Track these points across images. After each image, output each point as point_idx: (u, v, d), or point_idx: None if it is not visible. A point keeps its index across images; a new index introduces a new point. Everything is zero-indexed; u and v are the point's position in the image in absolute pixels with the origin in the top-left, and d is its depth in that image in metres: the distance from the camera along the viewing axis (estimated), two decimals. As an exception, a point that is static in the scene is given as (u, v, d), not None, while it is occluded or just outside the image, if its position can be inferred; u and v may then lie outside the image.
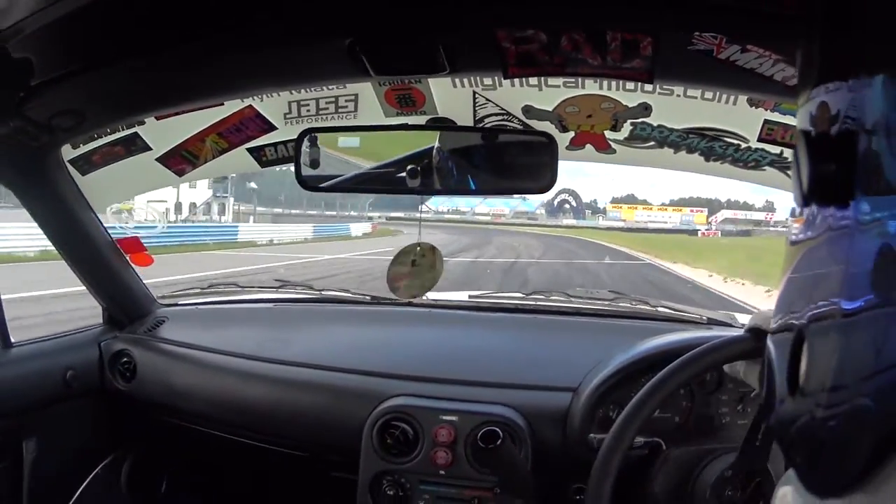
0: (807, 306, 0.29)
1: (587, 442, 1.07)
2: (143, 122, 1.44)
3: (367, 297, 1.56)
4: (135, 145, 1.51)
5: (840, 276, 0.27)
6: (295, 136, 1.18)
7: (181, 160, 1.57)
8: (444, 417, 1.15)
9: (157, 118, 1.42)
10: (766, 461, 0.85)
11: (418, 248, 1.28)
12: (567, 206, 59.28)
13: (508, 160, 1.18)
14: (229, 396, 1.36)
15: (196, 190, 28.42)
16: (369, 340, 1.44)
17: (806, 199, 0.29)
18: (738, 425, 1.12)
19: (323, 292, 1.60)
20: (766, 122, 1.22)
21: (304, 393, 1.30)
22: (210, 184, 28.31)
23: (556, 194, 56.44)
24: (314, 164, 1.22)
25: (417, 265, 1.28)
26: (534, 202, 57.88)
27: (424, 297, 1.53)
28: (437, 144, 1.19)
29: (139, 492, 1.54)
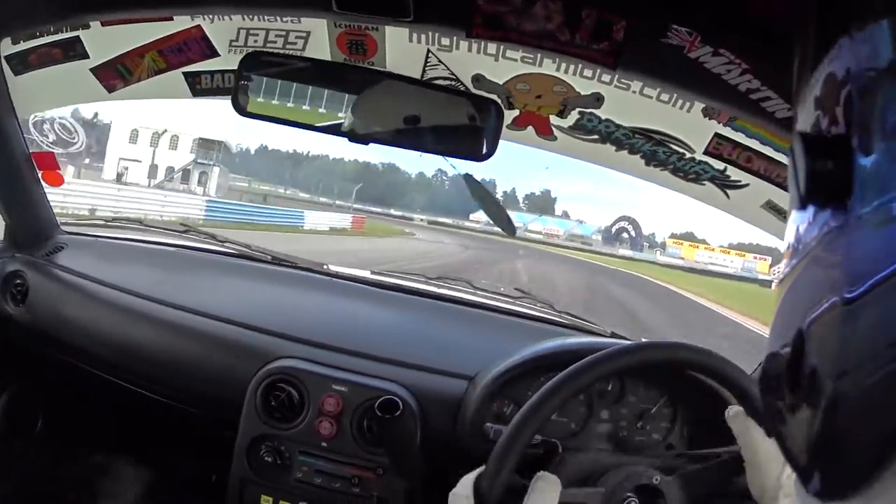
0: (804, 315, 0.29)
1: (482, 432, 1.02)
2: (88, 27, 1.35)
3: (268, 257, 1.50)
4: (74, 50, 1.41)
5: (838, 271, 0.27)
6: (235, 68, 1.11)
7: (115, 74, 1.47)
8: (335, 386, 1.09)
9: (103, 24, 1.33)
10: (664, 475, 0.84)
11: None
12: (625, 234, 53.55)
13: (450, 122, 1.13)
14: (117, 335, 1.27)
15: (176, 152, 25.92)
16: (266, 299, 1.37)
17: (803, 202, 0.29)
18: (635, 441, 1.10)
19: (225, 244, 1.52)
20: (716, 135, 1.19)
21: (192, 341, 1.22)
22: (193, 148, 26.13)
23: (615, 221, 54.07)
24: (254, 91, 1.15)
25: None
26: (590, 227, 54.60)
27: (326, 267, 1.49)
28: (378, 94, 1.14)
29: (15, 427, 1.41)
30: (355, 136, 1.15)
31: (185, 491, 1.55)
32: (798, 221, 0.31)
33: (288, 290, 1.44)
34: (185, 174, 26.30)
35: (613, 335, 1.34)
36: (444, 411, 1.09)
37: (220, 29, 1.35)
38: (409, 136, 1.15)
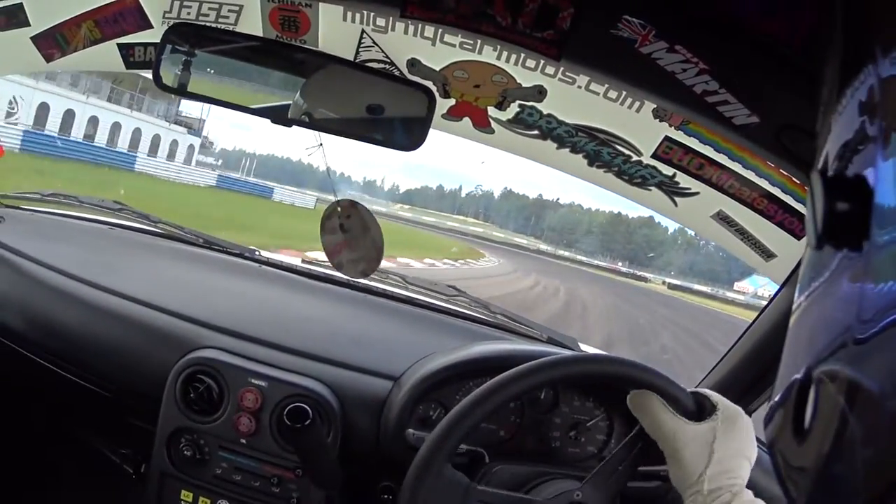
0: (814, 353, 0.29)
1: (404, 437, 0.98)
2: None
3: (200, 240, 1.45)
4: (16, 18, 1.37)
5: (850, 311, 0.26)
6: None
7: (53, 43, 1.42)
8: (253, 381, 1.04)
9: None
10: (591, 489, 0.82)
11: (338, 209, 1.12)
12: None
13: (380, 109, 1.07)
14: (42, 313, 1.23)
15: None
16: (193, 284, 1.33)
17: (820, 241, 0.28)
18: (567, 452, 1.07)
19: (158, 224, 1.47)
20: (666, 138, 1.11)
21: (115, 325, 1.17)
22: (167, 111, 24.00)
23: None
24: (179, 65, 1.09)
25: (347, 231, 1.12)
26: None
27: (258, 253, 1.45)
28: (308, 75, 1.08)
29: None
30: (279, 119, 1.09)
31: (107, 482, 1.50)
32: (812, 255, 0.31)
33: (216, 275, 1.39)
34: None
35: (550, 341, 1.28)
36: (367, 413, 1.04)
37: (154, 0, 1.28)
38: (336, 121, 1.10)
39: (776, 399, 0.34)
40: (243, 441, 1.03)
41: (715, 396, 0.80)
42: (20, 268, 1.27)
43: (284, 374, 1.05)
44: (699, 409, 0.79)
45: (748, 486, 0.74)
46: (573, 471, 0.92)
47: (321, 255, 1.35)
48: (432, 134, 0.99)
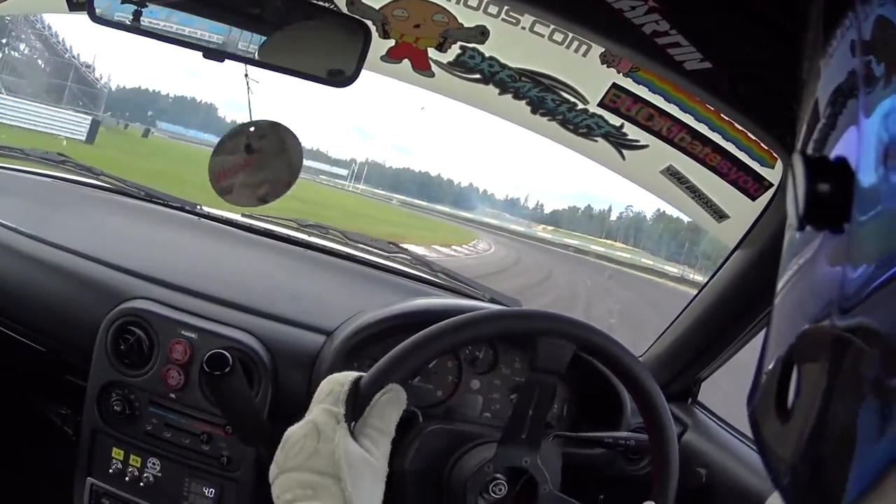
0: (796, 332, 0.29)
1: None
2: None
3: (142, 192, 1.41)
4: None
5: (832, 289, 0.26)
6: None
7: (-2, -15, 1.40)
8: (183, 332, 1.00)
9: None
10: (535, 456, 0.77)
11: (252, 129, 1.02)
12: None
13: (311, 39, 1.02)
14: None
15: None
16: (130, 236, 1.30)
17: (801, 222, 0.28)
18: (506, 415, 1.00)
19: (101, 178, 1.44)
20: (614, 85, 1.05)
21: (47, 275, 1.15)
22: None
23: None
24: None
25: (256, 151, 1.03)
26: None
27: (199, 207, 1.40)
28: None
29: None
30: (212, 53, 1.05)
31: (47, 441, 1.49)
32: (793, 244, 0.31)
33: (155, 228, 1.36)
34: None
35: (493, 301, 1.23)
36: (298, 367, 1.00)
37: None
38: (268, 53, 1.06)
39: (760, 379, 0.34)
40: (172, 395, 1.00)
41: None
42: None
43: (215, 325, 1.02)
44: None
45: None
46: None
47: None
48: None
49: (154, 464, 1.05)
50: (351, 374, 0.63)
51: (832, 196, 0.27)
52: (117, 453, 1.05)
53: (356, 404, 0.60)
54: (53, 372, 1.29)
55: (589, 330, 0.77)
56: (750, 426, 0.33)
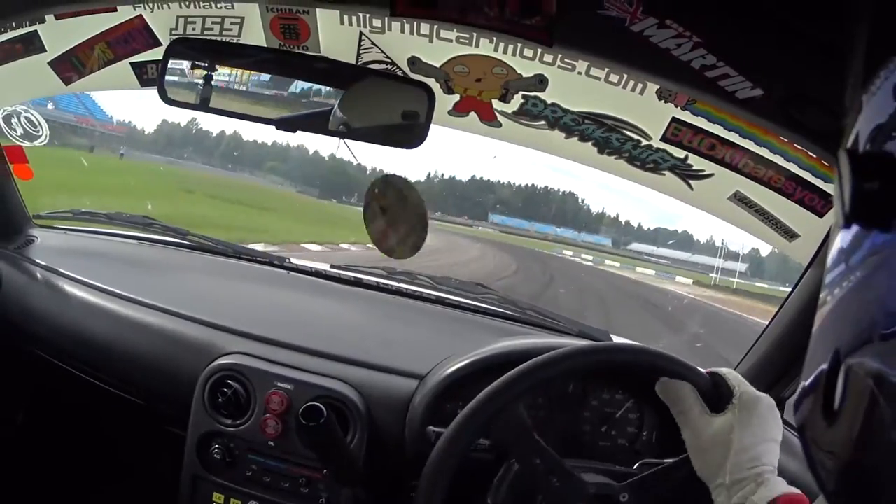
0: (840, 345, 0.29)
1: (426, 434, 0.96)
2: (43, 21, 1.36)
3: (230, 250, 1.47)
4: (32, 45, 1.43)
5: (877, 303, 0.27)
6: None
7: (70, 67, 1.47)
8: (279, 384, 1.05)
9: (57, 18, 1.34)
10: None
11: (376, 190, 1.08)
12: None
13: (382, 109, 1.06)
14: (78, 327, 1.27)
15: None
16: (220, 292, 1.36)
17: (847, 221, 0.28)
18: (598, 446, 1.04)
19: (187, 237, 1.50)
20: (674, 119, 1.07)
21: (143, 334, 1.21)
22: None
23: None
24: (183, 78, 1.11)
25: (387, 211, 1.08)
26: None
27: (287, 261, 1.45)
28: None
29: None
30: (284, 125, 1.10)
31: (145, 489, 1.55)
32: (840, 242, 0.30)
33: (245, 284, 1.41)
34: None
35: (581, 334, 1.25)
36: (392, 412, 1.04)
37: (160, 18, 1.32)
38: (349, 127, 1.09)
39: (805, 384, 0.34)
40: (271, 443, 1.04)
41: (733, 380, 0.77)
42: (52, 284, 1.33)
43: (310, 376, 1.06)
44: (718, 397, 0.77)
45: (781, 473, 0.71)
46: (602, 465, 0.90)
47: (349, 259, 1.37)
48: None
49: None
50: None
51: (880, 193, 0.26)
52: (218, 497, 1.10)
53: None
54: (152, 423, 1.36)
55: (676, 363, 0.80)
56: (797, 432, 0.34)
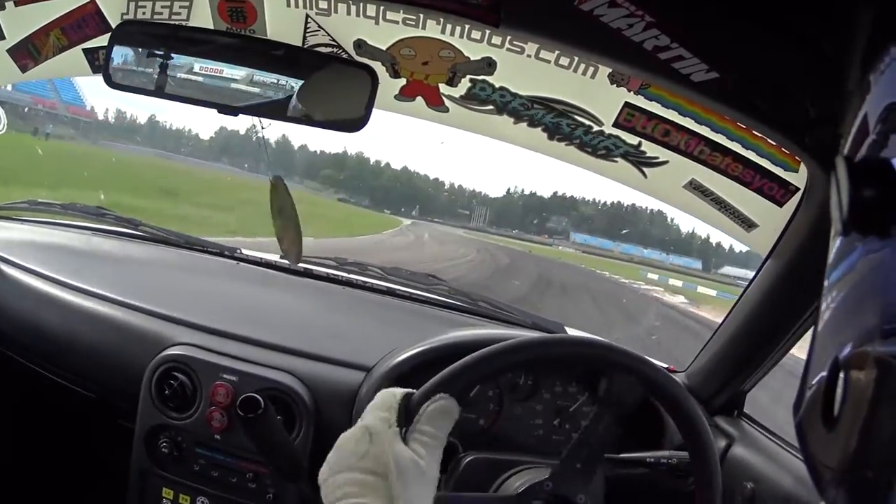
0: (839, 350, 0.29)
1: None
2: (3, 7, 1.36)
3: (182, 240, 1.45)
4: None
5: (875, 309, 0.26)
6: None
7: (26, 54, 1.45)
8: (224, 375, 1.04)
9: (17, 3, 1.33)
10: (587, 488, 0.77)
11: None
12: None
13: (323, 91, 1.03)
14: (26, 317, 1.26)
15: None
16: (170, 283, 1.34)
17: (846, 229, 0.28)
18: (552, 440, 1.04)
19: (139, 228, 1.49)
20: (626, 105, 1.04)
21: (94, 326, 1.19)
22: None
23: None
24: (127, 62, 1.09)
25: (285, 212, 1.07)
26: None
27: (238, 251, 1.44)
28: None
29: None
30: (226, 109, 1.08)
31: (98, 484, 1.53)
32: (839, 250, 0.31)
33: (195, 275, 1.41)
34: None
35: (534, 326, 1.23)
36: (339, 405, 1.02)
37: (112, 2, 1.30)
38: (282, 106, 1.08)
39: (808, 388, 0.33)
40: (217, 437, 1.03)
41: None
42: (7, 275, 1.31)
43: (255, 368, 1.04)
44: None
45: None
46: (555, 459, 0.87)
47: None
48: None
49: (203, 502, 1.07)
50: (405, 389, 0.64)
51: (878, 201, 0.26)
52: (167, 493, 1.09)
53: (408, 413, 0.60)
54: (105, 416, 1.33)
55: (640, 362, 0.76)
56: (797, 436, 0.33)
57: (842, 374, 0.29)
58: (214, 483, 1.05)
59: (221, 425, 1.02)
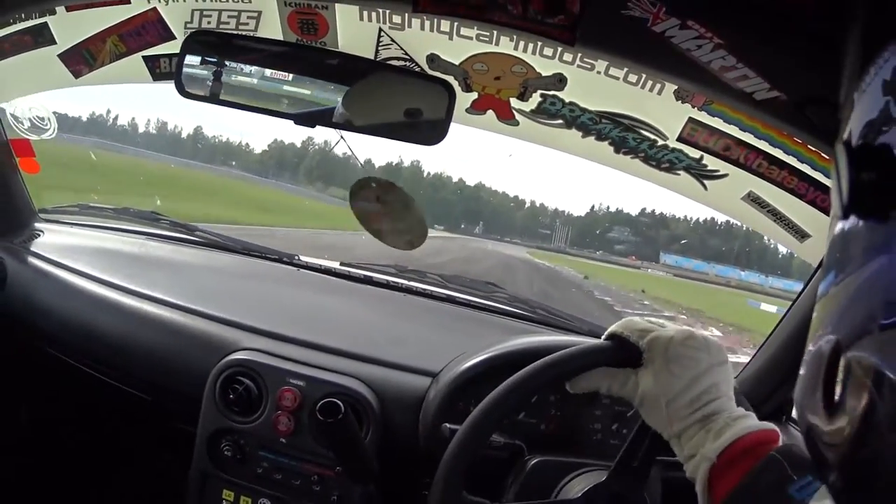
0: (840, 335, 0.29)
1: (440, 431, 0.96)
2: (54, 12, 1.35)
3: (239, 246, 1.46)
4: (42, 36, 1.41)
5: (877, 294, 0.26)
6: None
7: (80, 60, 1.46)
8: (291, 380, 1.05)
9: (68, 9, 1.34)
10: (643, 486, 0.78)
11: (374, 184, 1.09)
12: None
13: (401, 105, 1.05)
14: (85, 322, 1.26)
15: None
16: (229, 288, 1.35)
17: (846, 212, 0.29)
18: (610, 444, 1.04)
19: (196, 233, 1.50)
20: (690, 120, 1.09)
21: (152, 329, 1.20)
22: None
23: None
24: (202, 72, 1.11)
25: (384, 202, 1.10)
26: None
27: (297, 258, 1.45)
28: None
29: None
30: (302, 119, 1.10)
31: (153, 485, 1.54)
32: (839, 234, 0.31)
33: (255, 280, 1.41)
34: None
35: (591, 333, 1.25)
36: (406, 410, 1.04)
37: (175, 10, 1.31)
38: (368, 123, 1.09)
39: (803, 373, 0.35)
40: (283, 440, 1.04)
41: (632, 333, 0.73)
42: (59, 278, 1.31)
43: (323, 373, 1.06)
44: (630, 356, 0.74)
45: None
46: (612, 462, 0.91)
47: (359, 258, 1.36)
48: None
49: (265, 503, 1.08)
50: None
51: (878, 184, 0.27)
52: (227, 494, 1.11)
53: None
54: (157, 419, 1.34)
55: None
56: (798, 422, 0.36)
57: (842, 362, 0.29)
58: (277, 485, 1.07)
59: (287, 429, 1.03)
